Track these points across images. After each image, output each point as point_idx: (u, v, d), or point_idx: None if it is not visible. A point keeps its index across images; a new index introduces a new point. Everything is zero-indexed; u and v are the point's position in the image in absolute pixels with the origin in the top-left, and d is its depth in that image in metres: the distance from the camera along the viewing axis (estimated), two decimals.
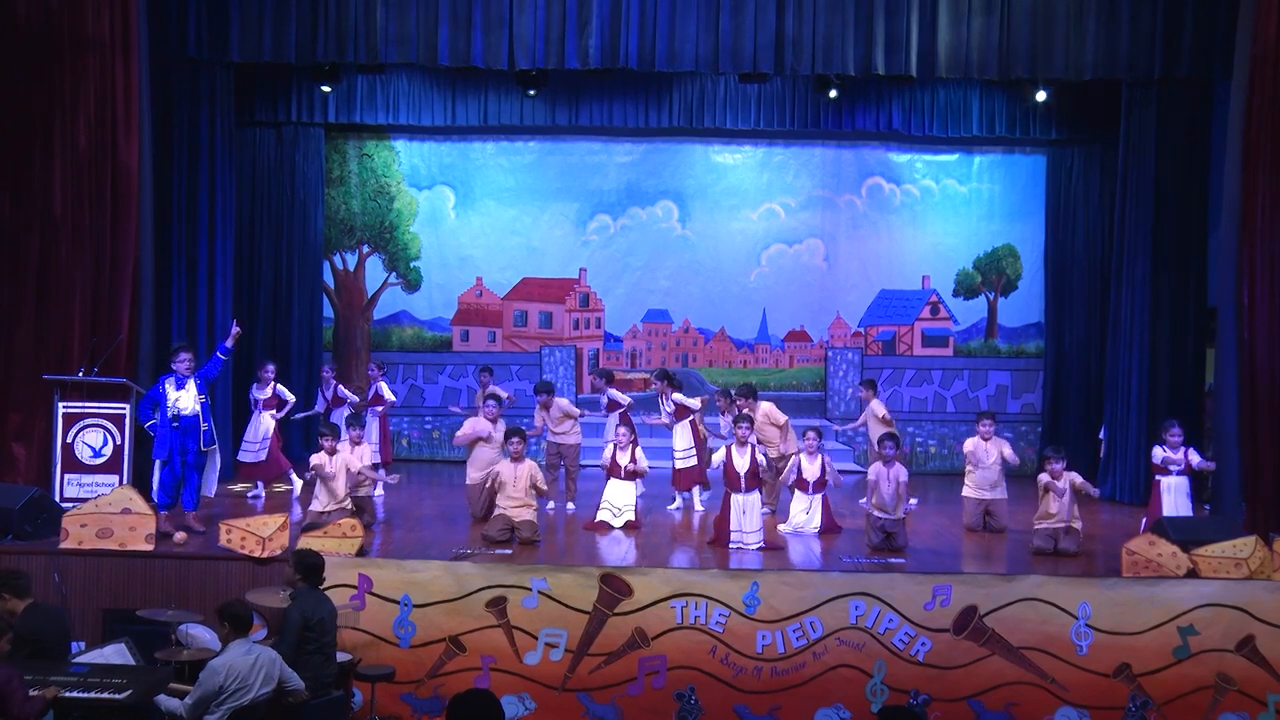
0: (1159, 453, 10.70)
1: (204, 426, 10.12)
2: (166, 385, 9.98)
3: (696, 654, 8.85)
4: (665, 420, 12.20)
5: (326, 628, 7.63)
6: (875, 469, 10.41)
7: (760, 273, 15.65)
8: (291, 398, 12.72)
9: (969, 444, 11.31)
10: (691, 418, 12.05)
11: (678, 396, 12.05)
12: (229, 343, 10.46)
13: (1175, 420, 10.89)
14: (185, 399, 10.00)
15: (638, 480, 11.36)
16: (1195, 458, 10.62)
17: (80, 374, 10.43)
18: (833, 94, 14.02)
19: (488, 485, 10.64)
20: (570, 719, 8.84)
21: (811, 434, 11.02)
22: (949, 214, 15.62)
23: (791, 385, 15.48)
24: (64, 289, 10.87)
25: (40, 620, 7.31)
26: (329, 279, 15.62)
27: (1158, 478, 10.70)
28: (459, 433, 11.54)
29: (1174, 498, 10.49)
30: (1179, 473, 10.54)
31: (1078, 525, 10.20)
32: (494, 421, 11.20)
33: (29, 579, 7.56)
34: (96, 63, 10.94)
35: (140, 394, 10.25)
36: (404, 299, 15.73)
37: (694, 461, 11.94)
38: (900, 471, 10.30)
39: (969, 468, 11.23)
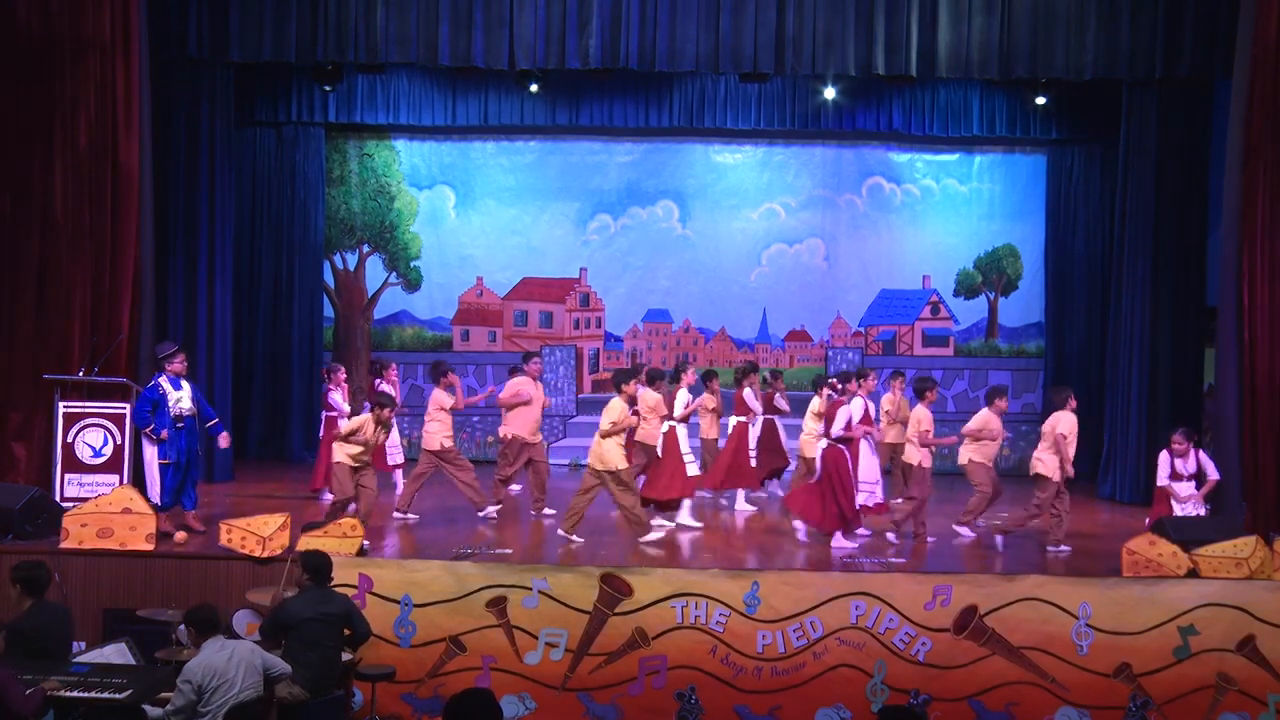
0: (1166, 466, 10.32)
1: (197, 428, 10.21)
2: (164, 386, 9.97)
3: (697, 654, 8.84)
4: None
5: (316, 627, 7.54)
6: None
7: (760, 272, 15.66)
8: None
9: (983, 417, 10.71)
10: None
11: (705, 395, 12.10)
12: (218, 430, 10.46)
13: (1180, 428, 10.50)
14: (185, 399, 10.01)
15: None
16: (1208, 464, 10.29)
17: (80, 374, 10.44)
18: (829, 95, 14.03)
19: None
20: (570, 718, 8.84)
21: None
22: (949, 214, 15.62)
23: (792, 385, 15.45)
24: (64, 289, 10.87)
25: (43, 618, 7.31)
26: (329, 279, 15.63)
27: (1169, 484, 10.32)
28: (501, 395, 11.77)
29: (1184, 509, 10.22)
30: (1189, 477, 10.21)
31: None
32: (536, 380, 11.48)
33: (47, 582, 7.50)
34: (96, 63, 10.95)
35: (140, 393, 10.24)
36: (404, 299, 15.73)
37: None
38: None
39: (978, 439, 10.65)
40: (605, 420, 10.13)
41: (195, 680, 6.67)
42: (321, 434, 12.31)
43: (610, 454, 10.10)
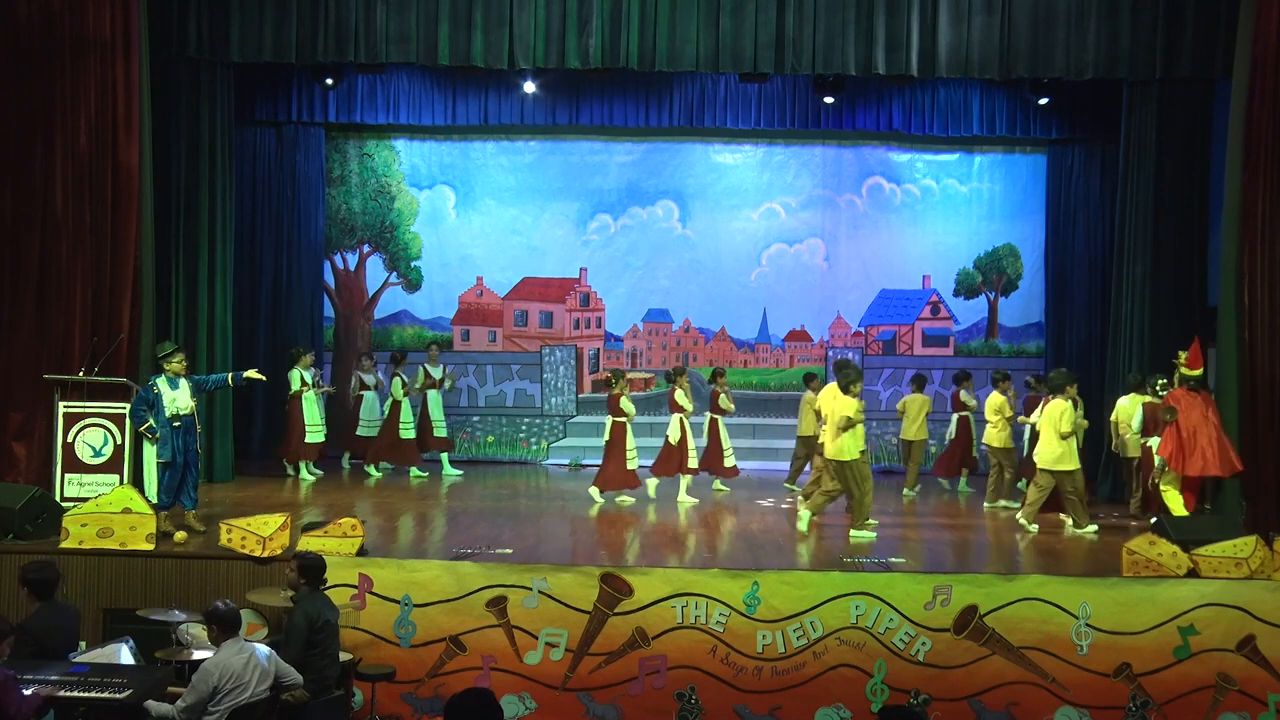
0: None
1: (199, 427, 10.20)
2: (161, 386, 9.96)
3: (697, 653, 8.84)
4: None
5: (332, 630, 7.63)
6: None
7: (761, 272, 15.66)
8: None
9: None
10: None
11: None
12: (243, 377, 10.64)
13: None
14: (182, 398, 10.00)
15: None
16: None
17: (80, 374, 10.43)
18: (828, 100, 14.03)
19: None
20: (571, 718, 8.84)
21: None
22: (949, 213, 15.62)
23: (792, 385, 15.46)
24: (64, 289, 10.88)
25: (51, 619, 7.29)
26: (330, 278, 15.63)
27: None
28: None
29: None
30: None
31: None
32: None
33: (55, 582, 7.47)
34: (97, 63, 10.96)
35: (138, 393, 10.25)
36: (405, 298, 15.73)
37: None
38: None
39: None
40: (1065, 423, 10.65)
41: (213, 682, 6.69)
42: (609, 438, 12.29)
43: (1069, 455, 10.78)
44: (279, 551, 9.00)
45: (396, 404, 13.84)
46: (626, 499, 12.24)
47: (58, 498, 10.06)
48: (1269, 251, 10.71)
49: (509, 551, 9.66)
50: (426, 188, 15.67)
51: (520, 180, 15.61)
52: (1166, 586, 8.95)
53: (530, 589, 8.89)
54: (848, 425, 10.40)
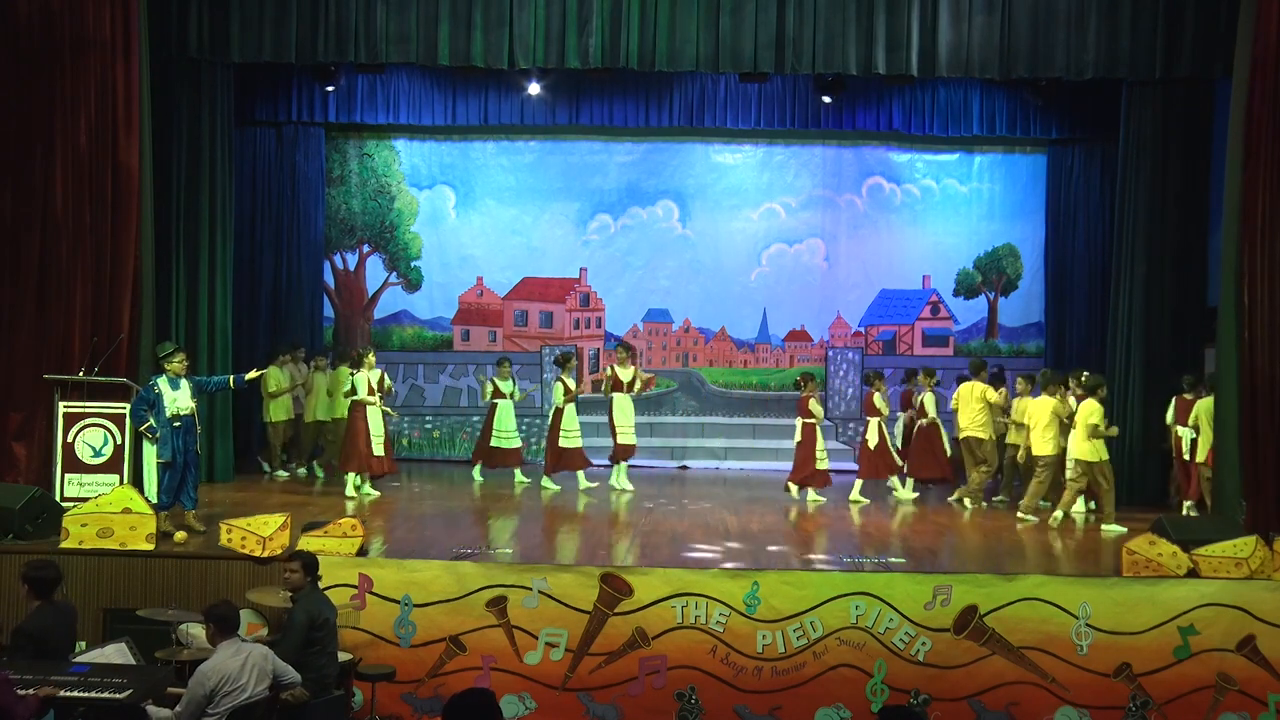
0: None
1: (199, 428, 10.19)
2: (161, 386, 9.97)
3: (697, 653, 8.85)
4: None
5: (331, 628, 7.64)
6: None
7: (761, 272, 15.66)
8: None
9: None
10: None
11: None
12: (245, 380, 10.64)
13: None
14: (183, 398, 10.01)
15: None
16: None
17: (80, 374, 10.43)
18: (826, 100, 14.04)
19: None
20: (571, 719, 8.84)
21: None
22: (949, 213, 15.63)
23: (792, 385, 15.46)
24: (64, 289, 10.87)
25: (49, 620, 7.28)
26: (329, 279, 15.63)
27: None
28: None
29: None
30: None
31: None
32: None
33: (56, 582, 7.45)
34: (97, 63, 10.95)
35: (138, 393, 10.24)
36: (404, 298, 15.73)
37: None
38: None
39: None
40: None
41: (209, 686, 6.68)
42: (800, 439, 12.61)
43: None
44: (279, 551, 9.00)
45: (559, 411, 13.07)
46: (818, 498, 12.47)
47: (58, 498, 10.05)
48: (1269, 251, 10.69)
49: (509, 551, 9.67)
50: (426, 188, 15.67)
51: (520, 180, 15.62)
52: (1166, 586, 8.95)
53: (530, 589, 8.89)
54: (1097, 432, 11.14)
